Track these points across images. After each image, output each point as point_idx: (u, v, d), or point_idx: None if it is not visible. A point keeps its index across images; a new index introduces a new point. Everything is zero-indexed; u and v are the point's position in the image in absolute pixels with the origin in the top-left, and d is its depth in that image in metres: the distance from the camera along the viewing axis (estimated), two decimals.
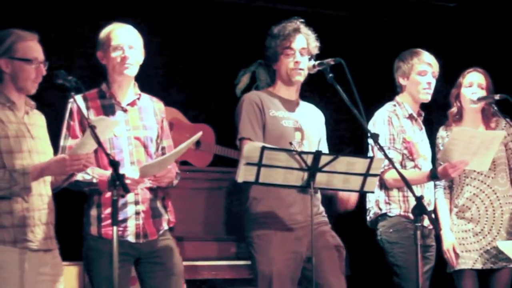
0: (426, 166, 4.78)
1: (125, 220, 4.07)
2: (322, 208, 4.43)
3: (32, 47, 3.89)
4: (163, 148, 4.28)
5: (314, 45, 4.42)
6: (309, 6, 6.40)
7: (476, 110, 5.08)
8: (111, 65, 4.18)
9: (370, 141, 4.70)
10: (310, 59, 4.38)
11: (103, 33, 4.21)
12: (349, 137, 6.60)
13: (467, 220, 5.02)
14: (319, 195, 4.42)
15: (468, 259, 4.98)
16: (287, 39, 4.35)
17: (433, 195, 4.97)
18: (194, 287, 5.12)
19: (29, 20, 5.31)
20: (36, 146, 3.89)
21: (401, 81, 4.86)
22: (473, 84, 5.05)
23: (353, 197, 4.45)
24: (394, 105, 4.85)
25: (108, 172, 3.99)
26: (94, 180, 4.02)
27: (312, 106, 4.59)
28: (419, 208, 3.85)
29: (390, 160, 4.13)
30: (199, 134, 4.05)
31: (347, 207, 4.47)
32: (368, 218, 4.84)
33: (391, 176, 4.62)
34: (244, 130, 4.30)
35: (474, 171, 4.97)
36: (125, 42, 4.15)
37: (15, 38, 3.86)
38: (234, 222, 5.08)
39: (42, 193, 3.87)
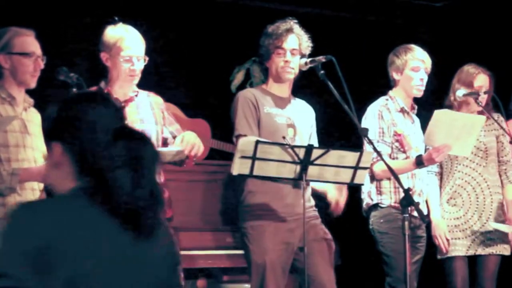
0: None
1: None
2: (313, 202, 4.50)
3: (29, 41, 3.95)
4: (171, 132, 4.29)
5: (306, 45, 4.48)
6: (303, 6, 6.49)
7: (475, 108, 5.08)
8: (117, 72, 4.19)
9: None
10: (302, 58, 4.44)
11: (110, 37, 4.17)
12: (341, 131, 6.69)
13: (458, 207, 5.06)
14: (310, 189, 4.48)
15: (461, 245, 5.02)
16: (279, 39, 4.41)
17: (425, 184, 4.95)
18: (191, 276, 5.17)
19: (27, 19, 5.40)
20: (31, 142, 3.94)
21: (395, 75, 4.89)
22: (482, 89, 5.04)
23: (341, 201, 4.48)
24: (387, 99, 4.90)
25: None
26: None
27: (303, 102, 4.64)
28: (407, 199, 3.92)
29: (378, 152, 4.20)
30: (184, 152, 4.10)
31: (334, 211, 4.50)
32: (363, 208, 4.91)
33: (379, 168, 4.67)
34: (240, 127, 4.34)
35: (466, 158, 5.01)
36: (134, 54, 4.16)
37: (12, 34, 3.93)
38: (230, 213, 5.13)
39: (34, 187, 3.93)
